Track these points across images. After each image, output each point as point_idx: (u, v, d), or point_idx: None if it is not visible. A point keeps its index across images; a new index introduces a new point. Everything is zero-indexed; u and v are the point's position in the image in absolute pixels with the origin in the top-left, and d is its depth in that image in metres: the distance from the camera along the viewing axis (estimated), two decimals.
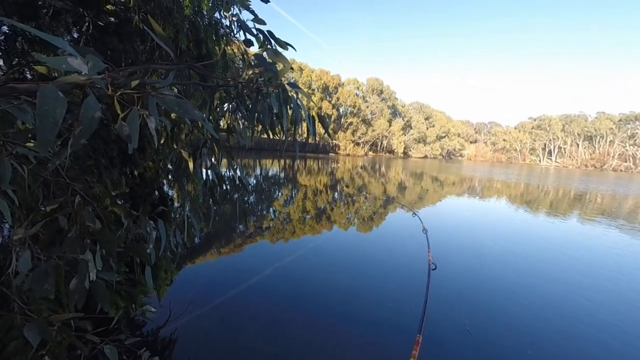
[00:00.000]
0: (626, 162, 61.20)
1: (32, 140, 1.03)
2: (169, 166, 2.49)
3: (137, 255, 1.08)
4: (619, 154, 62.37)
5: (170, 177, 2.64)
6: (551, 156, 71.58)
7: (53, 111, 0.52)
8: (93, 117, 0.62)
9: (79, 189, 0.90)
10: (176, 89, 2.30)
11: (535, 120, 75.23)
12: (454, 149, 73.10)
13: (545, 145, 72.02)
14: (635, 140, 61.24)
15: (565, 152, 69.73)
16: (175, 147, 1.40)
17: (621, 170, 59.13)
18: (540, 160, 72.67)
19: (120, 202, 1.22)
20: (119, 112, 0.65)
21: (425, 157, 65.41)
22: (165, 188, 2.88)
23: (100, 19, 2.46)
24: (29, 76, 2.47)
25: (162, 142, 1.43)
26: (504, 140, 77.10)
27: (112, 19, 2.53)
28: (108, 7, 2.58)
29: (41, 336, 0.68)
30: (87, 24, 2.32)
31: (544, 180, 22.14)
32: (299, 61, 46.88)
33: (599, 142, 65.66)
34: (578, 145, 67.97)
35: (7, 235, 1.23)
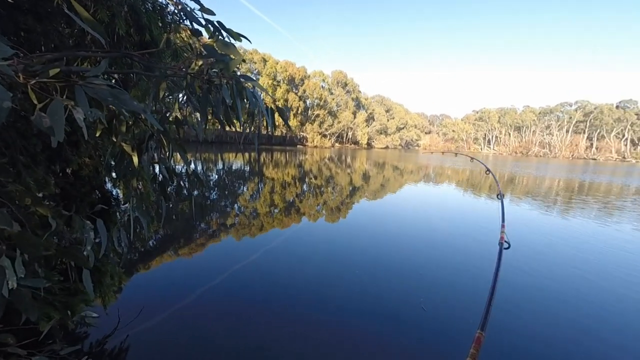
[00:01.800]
0: (544, 149, 73.52)
1: None
2: (112, 162, 2.26)
3: (71, 259, 0.98)
4: (539, 142, 74.61)
5: (113, 174, 2.39)
6: (490, 144, 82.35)
7: None
8: (1, 107, 0.55)
9: None
10: (114, 79, 2.08)
11: (477, 112, 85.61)
12: (412, 140, 78.84)
13: (485, 135, 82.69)
14: (550, 130, 73.77)
15: (500, 141, 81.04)
16: (115, 140, 1.28)
17: (540, 156, 70.76)
18: (481, 149, 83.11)
19: (46, 203, 1.08)
20: (35, 102, 0.59)
21: (387, 147, 69.11)
22: (109, 186, 2.60)
23: None
24: None
25: (98, 135, 1.30)
26: (453, 131, 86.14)
27: None
28: None
29: None
30: None
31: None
32: (263, 52, 44.92)
33: (525, 132, 77.65)
34: (510, 134, 79.43)
35: None
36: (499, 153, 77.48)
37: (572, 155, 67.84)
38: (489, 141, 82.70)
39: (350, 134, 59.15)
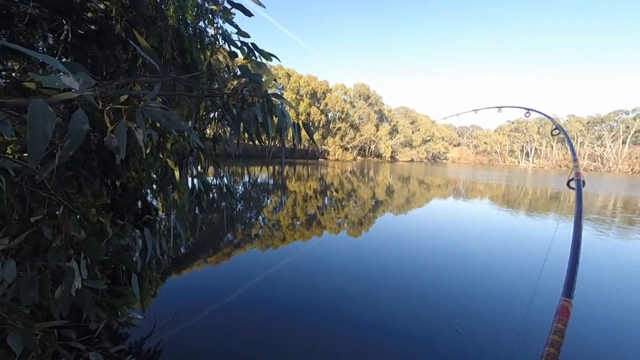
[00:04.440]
0: (595, 162, 65.43)
1: (7, 153, 1.02)
2: (153, 175, 2.47)
3: (123, 263, 1.08)
4: (589, 155, 66.69)
5: (154, 186, 2.61)
6: (529, 157, 75.54)
7: (43, 125, 0.55)
8: (81, 129, 0.65)
9: (61, 199, 0.91)
10: (160, 99, 2.31)
11: (513, 123, 79.50)
12: (439, 152, 75.56)
13: (522, 147, 76.03)
14: (602, 141, 65.74)
15: (541, 154, 73.81)
16: (161, 156, 1.41)
17: (591, 170, 63.04)
18: (519, 162, 76.47)
19: (104, 212, 1.21)
20: (108, 125, 0.68)
21: (412, 160, 67.09)
22: (149, 198, 2.83)
23: (79, 27, 2.44)
24: (1, 83, 2.40)
25: (147, 152, 1.44)
26: (485, 143, 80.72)
27: (93, 27, 2.50)
28: (88, 14, 2.56)
29: (24, 344, 0.67)
30: (65, 32, 2.29)
31: (535, 181, 23.20)
32: (287, 67, 47.19)
33: None
34: (552, 147, 72.20)
35: None
36: (539, 166, 70.55)
37: (632, 169, 59.36)
38: (527, 154, 75.78)
39: (372, 147, 58.65)
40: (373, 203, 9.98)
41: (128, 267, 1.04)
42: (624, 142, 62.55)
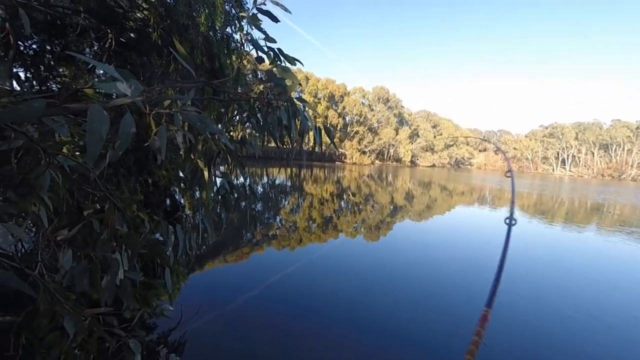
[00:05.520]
0: None
1: (64, 152, 1.13)
2: (181, 174, 2.60)
3: (157, 257, 1.15)
4: (638, 163, 59.83)
5: (182, 185, 2.75)
6: (565, 165, 69.47)
7: (99, 128, 0.60)
8: (129, 132, 0.70)
9: (109, 195, 0.99)
10: (189, 102, 2.44)
11: (547, 128, 73.62)
12: (463, 158, 72.16)
13: (558, 154, 70.03)
14: None
15: (580, 161, 67.53)
16: (193, 157, 1.49)
17: None
18: (553, 170, 70.60)
19: (143, 208, 1.30)
20: (153, 128, 0.73)
21: (433, 165, 64.79)
22: (177, 196, 2.98)
23: (122, 35, 2.64)
24: (54, 88, 2.66)
25: (181, 152, 1.53)
26: (515, 149, 75.48)
27: (132, 35, 2.71)
28: (130, 24, 2.77)
29: (76, 328, 0.74)
30: (110, 40, 2.49)
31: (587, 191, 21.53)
32: (305, 71, 47.77)
33: (615, 150, 63.45)
34: (593, 154, 65.80)
35: (32, 237, 1.32)
36: (578, 175, 64.18)
37: None
38: (563, 161, 69.58)
39: (391, 151, 57.50)
40: (391, 208, 9.76)
41: (162, 261, 1.11)
42: None
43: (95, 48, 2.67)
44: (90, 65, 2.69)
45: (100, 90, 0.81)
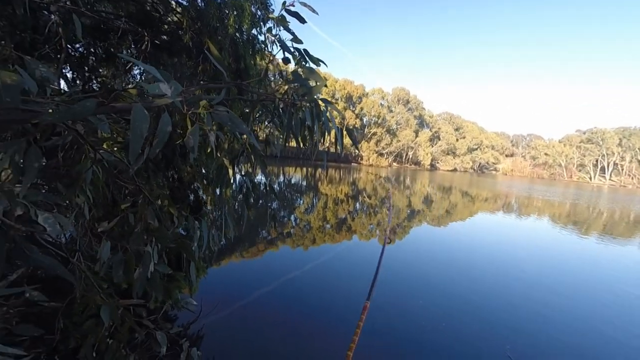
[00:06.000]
0: None
1: (104, 147, 1.20)
2: (203, 171, 2.69)
3: (184, 251, 1.19)
4: None
5: (205, 181, 2.84)
6: (604, 173, 63.48)
7: (141, 126, 0.63)
8: (167, 130, 0.72)
9: (144, 190, 1.03)
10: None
11: (584, 133, 67.60)
12: (487, 162, 68.50)
13: (597, 161, 64.12)
14: None
15: (622, 170, 61.49)
16: (219, 155, 1.53)
17: None
18: (591, 178, 64.73)
19: (173, 204, 1.36)
20: (189, 127, 0.75)
21: (455, 169, 62.22)
22: (200, 192, 3.08)
23: (157, 37, 2.78)
24: (95, 87, 2.86)
25: (208, 151, 1.58)
26: (546, 154, 70.11)
27: (165, 37, 2.84)
28: (164, 27, 2.90)
29: (111, 317, 0.78)
30: (146, 42, 2.63)
31: None
32: (324, 71, 47.83)
33: None
34: (639, 162, 59.62)
35: (69, 231, 1.42)
36: (620, 185, 58.26)
37: None
38: (602, 169, 63.60)
39: (410, 153, 56.01)
40: (408, 212, 9.50)
41: (187, 255, 1.14)
42: None
43: (132, 49, 2.83)
44: (129, 66, 2.85)
45: (146, 90, 0.84)
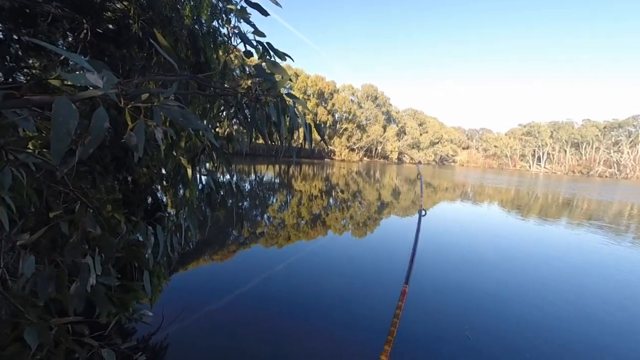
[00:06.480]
0: (611, 168, 63.04)
1: (29, 148, 1.04)
2: (164, 172, 2.49)
3: (135, 261, 1.08)
4: (604, 161, 64.32)
5: (165, 183, 2.64)
6: (540, 162, 73.38)
7: (66, 122, 0.55)
8: (102, 127, 0.65)
9: (79, 195, 0.92)
10: (172, 97, 2.33)
11: (524, 126, 77.32)
12: (447, 155, 74.33)
13: (534, 151, 73.85)
14: (619, 147, 63.32)
15: (553, 159, 71.59)
16: (175, 154, 1.42)
17: (606, 177, 60.88)
18: (530, 167, 74.33)
19: (118, 208, 1.23)
20: (129, 123, 0.68)
21: (419, 162, 66.25)
22: (159, 194, 2.86)
23: (98, 26, 2.48)
24: (22, 79, 2.47)
25: (163, 149, 1.45)
26: (495, 146, 78.68)
27: (111, 26, 2.55)
28: (107, 14, 2.60)
29: (40, 340, 0.68)
30: (85, 30, 2.34)
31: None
32: (295, 67, 47.23)
33: (585, 148, 67.77)
34: (566, 151, 69.97)
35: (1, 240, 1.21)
36: (552, 172, 67.94)
37: None
38: (539, 158, 73.31)
39: (379, 148, 58.24)
40: (378, 205, 9.90)
41: (140, 264, 1.05)
42: None
43: (70, 39, 2.49)
44: (63, 56, 2.51)
45: (68, 81, 0.74)
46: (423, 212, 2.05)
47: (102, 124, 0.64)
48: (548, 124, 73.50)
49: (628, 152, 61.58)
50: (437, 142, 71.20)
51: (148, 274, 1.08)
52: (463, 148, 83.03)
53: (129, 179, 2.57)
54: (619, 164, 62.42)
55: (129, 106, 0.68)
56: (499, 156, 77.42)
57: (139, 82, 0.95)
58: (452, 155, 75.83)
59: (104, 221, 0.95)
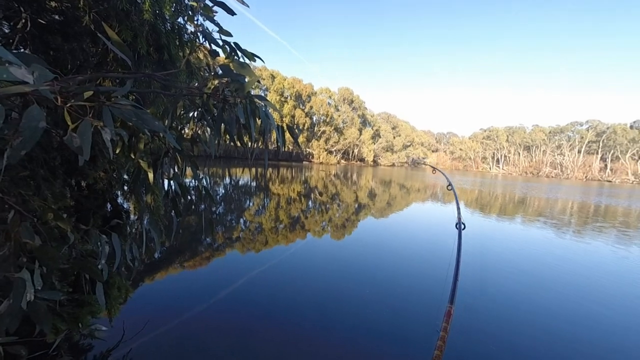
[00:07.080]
0: (555, 169, 71.37)
1: None
2: (125, 176, 2.32)
3: (86, 272, 0.99)
4: (550, 162, 72.64)
5: (125, 188, 2.45)
6: (499, 164, 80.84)
7: None
8: (37, 127, 0.59)
9: (12, 202, 0.82)
10: (133, 97, 2.19)
11: (485, 131, 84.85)
12: (418, 157, 78.51)
13: (494, 154, 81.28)
14: (561, 150, 71.88)
15: (510, 160, 79.25)
16: (133, 157, 1.33)
17: (552, 177, 68.64)
18: (490, 168, 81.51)
19: (63, 216, 1.11)
20: (69, 123, 0.63)
21: (393, 165, 68.97)
22: (120, 200, 2.66)
23: (40, 16, 2.25)
24: None
25: (117, 152, 1.35)
26: (460, 149, 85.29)
27: (57, 17, 2.32)
28: (51, 4, 2.37)
29: None
30: (23, 20, 2.11)
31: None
32: (271, 69, 46.70)
33: (535, 151, 76.03)
34: (519, 154, 77.84)
35: None
36: (509, 173, 75.20)
37: (586, 177, 64.36)
38: (497, 160, 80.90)
39: (356, 150, 59.57)
40: (356, 206, 10.10)
41: (92, 276, 0.96)
42: (579, 152, 68.75)
43: (5, 30, 2.22)
44: None
45: None
46: (463, 226, 1.86)
47: (36, 124, 0.59)
48: (504, 129, 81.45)
49: (568, 155, 70.03)
50: (409, 145, 74.87)
51: (102, 285, 0.98)
52: (432, 151, 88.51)
53: (83, 184, 2.35)
54: (562, 165, 70.82)
55: (68, 105, 0.63)
56: (464, 158, 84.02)
57: (86, 79, 0.88)
58: (423, 158, 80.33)
59: (48, 231, 0.85)
